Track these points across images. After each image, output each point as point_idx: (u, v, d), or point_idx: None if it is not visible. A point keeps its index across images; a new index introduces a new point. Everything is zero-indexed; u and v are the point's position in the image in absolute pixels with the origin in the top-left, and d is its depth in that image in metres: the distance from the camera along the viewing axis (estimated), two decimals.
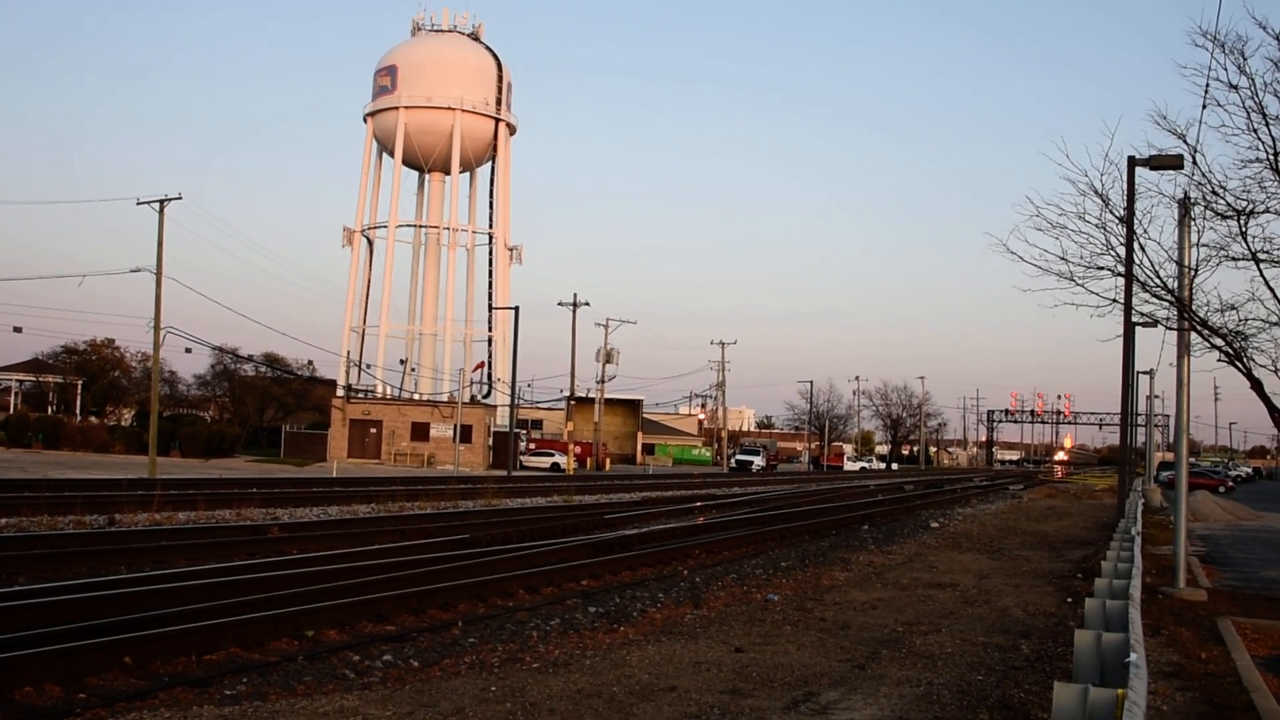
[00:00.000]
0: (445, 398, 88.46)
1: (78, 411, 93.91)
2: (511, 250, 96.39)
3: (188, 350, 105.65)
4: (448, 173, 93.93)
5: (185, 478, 45.56)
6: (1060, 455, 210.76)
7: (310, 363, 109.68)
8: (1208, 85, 17.84)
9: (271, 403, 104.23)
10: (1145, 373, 64.88)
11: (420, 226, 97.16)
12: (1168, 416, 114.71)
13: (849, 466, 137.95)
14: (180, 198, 53.37)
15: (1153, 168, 22.61)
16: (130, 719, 9.64)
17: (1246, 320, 20.34)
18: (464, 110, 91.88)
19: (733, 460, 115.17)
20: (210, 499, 32.57)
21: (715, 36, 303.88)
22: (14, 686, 10.72)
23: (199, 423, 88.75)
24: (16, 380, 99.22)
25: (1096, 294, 21.70)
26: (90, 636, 12.30)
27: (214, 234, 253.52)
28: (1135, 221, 21.77)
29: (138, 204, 54.00)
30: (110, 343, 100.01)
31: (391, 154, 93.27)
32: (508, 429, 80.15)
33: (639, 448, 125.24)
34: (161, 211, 52.71)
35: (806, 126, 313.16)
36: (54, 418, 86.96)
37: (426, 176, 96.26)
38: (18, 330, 76.85)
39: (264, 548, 23.29)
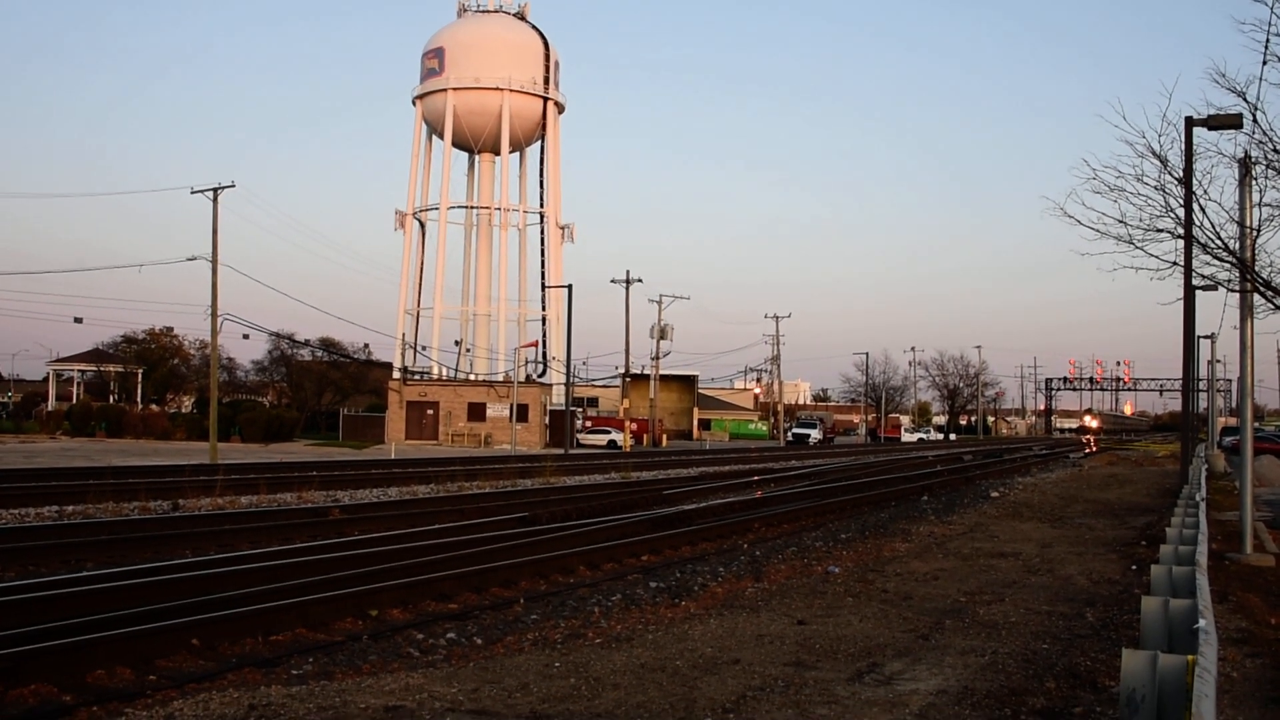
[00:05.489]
0: (501, 377, 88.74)
1: (139, 400, 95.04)
2: (563, 229, 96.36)
3: (245, 337, 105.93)
4: (497, 153, 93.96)
5: (246, 462, 46.02)
6: (1089, 421, 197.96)
7: (366, 346, 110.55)
8: (1268, 40, 17.46)
9: (329, 387, 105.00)
10: (1207, 336, 64.04)
11: (471, 208, 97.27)
12: (1230, 381, 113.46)
13: (906, 438, 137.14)
14: (233, 186, 53.75)
15: (1211, 127, 22.20)
16: (200, 699, 9.73)
17: None
18: (512, 90, 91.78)
19: (789, 434, 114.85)
20: (271, 483, 32.89)
21: (765, 3, 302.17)
22: (86, 669, 10.89)
23: (258, 408, 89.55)
24: (78, 370, 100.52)
25: (1156, 257, 21.39)
26: (158, 620, 12.46)
27: (267, 221, 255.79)
28: (1195, 182, 21.38)
29: (192, 193, 54.42)
30: (169, 331, 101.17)
31: (441, 136, 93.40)
32: (564, 407, 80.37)
33: (695, 423, 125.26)
34: (215, 200, 53.12)
35: (858, 96, 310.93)
36: (116, 406, 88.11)
37: (476, 157, 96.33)
38: (78, 321, 78.38)
39: (325, 529, 23.50)
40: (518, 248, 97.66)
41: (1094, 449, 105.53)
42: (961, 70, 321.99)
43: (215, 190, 53.24)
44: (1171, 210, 21.02)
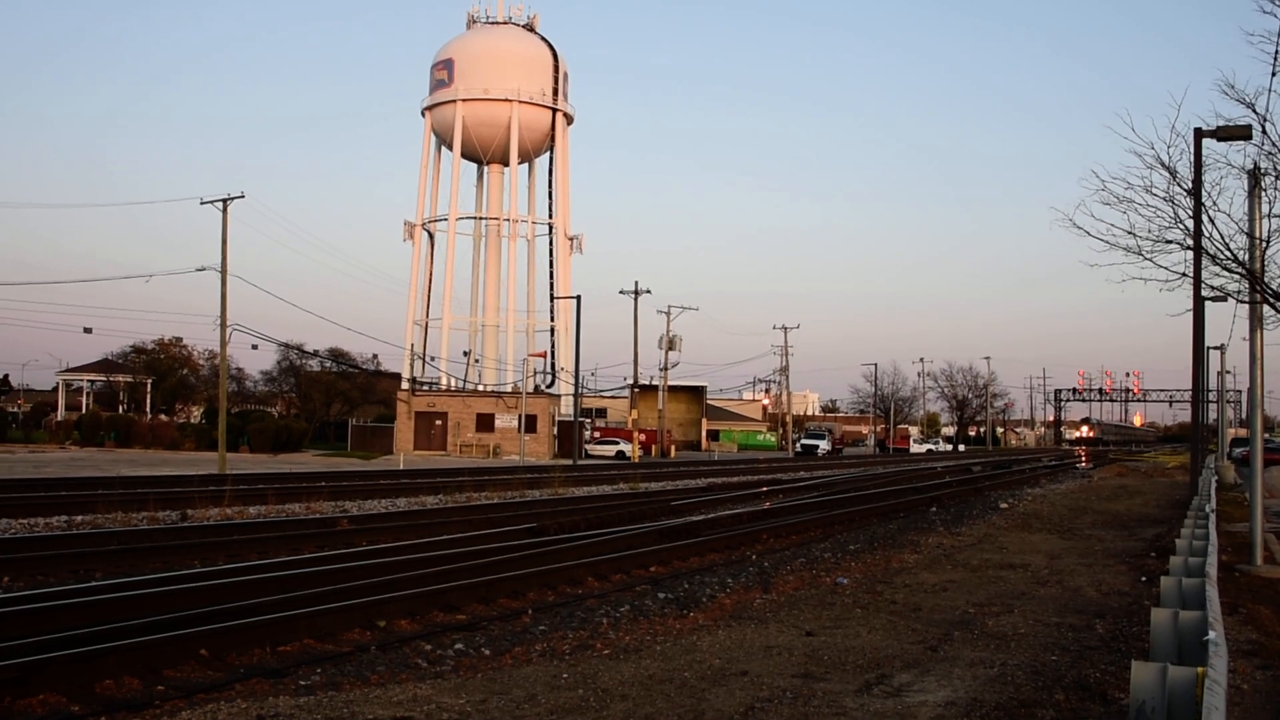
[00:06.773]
0: (509, 388, 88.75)
1: (148, 410, 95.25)
2: (572, 240, 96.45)
3: (254, 347, 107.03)
4: (506, 164, 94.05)
5: (254, 473, 46.00)
6: (1084, 432, 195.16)
7: (375, 356, 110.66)
8: (1277, 52, 17.42)
9: (337, 397, 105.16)
10: (1216, 348, 63.98)
11: (480, 218, 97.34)
12: (1239, 392, 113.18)
13: (915, 449, 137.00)
14: (243, 196, 53.85)
15: (1220, 139, 22.19)
16: (208, 710, 9.73)
17: None
18: (521, 102, 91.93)
19: (798, 445, 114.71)
20: (280, 493, 32.89)
21: (772, 14, 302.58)
22: (94, 679, 10.89)
23: (267, 418, 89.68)
24: (88, 380, 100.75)
25: (1165, 268, 21.31)
26: (167, 630, 12.45)
27: (277, 232, 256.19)
28: (1204, 194, 21.37)
29: (201, 203, 54.51)
30: (178, 341, 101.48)
31: (450, 147, 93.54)
32: (572, 418, 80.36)
33: (703, 434, 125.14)
34: (225, 210, 53.22)
35: (867, 107, 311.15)
36: (125, 416, 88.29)
37: (485, 168, 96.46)
38: (88, 331, 78.05)
39: (334, 540, 23.47)
40: (526, 258, 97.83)
41: (1086, 462, 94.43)
42: (971, 81, 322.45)
43: (225, 201, 53.35)
44: (1180, 221, 20.97)
